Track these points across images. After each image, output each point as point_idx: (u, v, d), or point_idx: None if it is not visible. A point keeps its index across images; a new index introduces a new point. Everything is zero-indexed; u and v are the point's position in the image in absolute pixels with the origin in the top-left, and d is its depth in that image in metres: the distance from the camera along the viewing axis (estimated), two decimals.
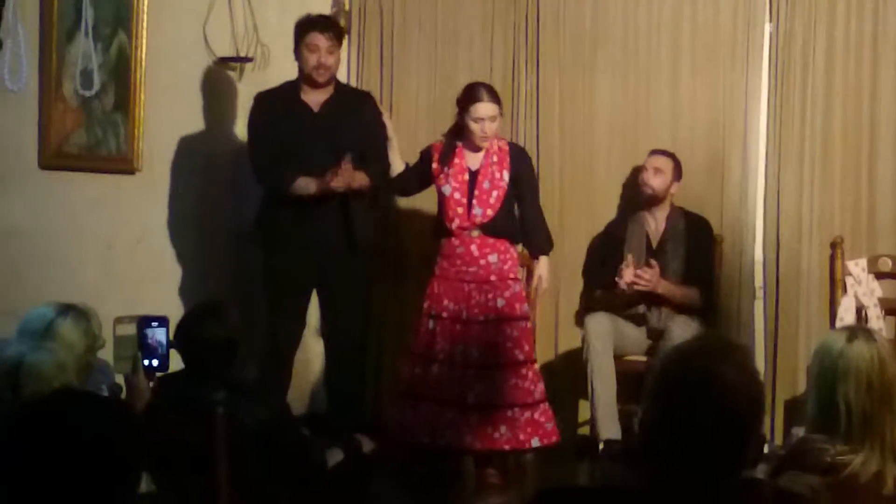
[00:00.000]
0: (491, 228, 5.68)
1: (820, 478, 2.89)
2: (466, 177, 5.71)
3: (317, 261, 5.76)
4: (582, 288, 6.52)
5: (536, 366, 5.73)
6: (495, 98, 5.69)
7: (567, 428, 6.37)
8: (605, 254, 6.27)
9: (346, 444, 5.49)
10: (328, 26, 5.81)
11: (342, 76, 6.90)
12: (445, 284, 5.70)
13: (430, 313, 5.69)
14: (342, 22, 6.77)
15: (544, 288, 5.90)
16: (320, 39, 5.71)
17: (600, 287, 6.21)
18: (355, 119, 5.79)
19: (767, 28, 6.29)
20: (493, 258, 5.68)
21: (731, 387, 2.27)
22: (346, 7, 6.86)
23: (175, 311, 4.19)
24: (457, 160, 5.72)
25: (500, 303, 5.64)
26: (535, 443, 5.62)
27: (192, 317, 3.93)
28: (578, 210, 6.53)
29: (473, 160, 5.74)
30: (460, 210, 5.67)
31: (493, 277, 5.67)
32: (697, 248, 6.08)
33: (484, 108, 5.63)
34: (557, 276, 6.49)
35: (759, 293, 6.28)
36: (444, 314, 5.66)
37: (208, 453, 3.64)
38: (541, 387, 5.67)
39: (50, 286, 5.08)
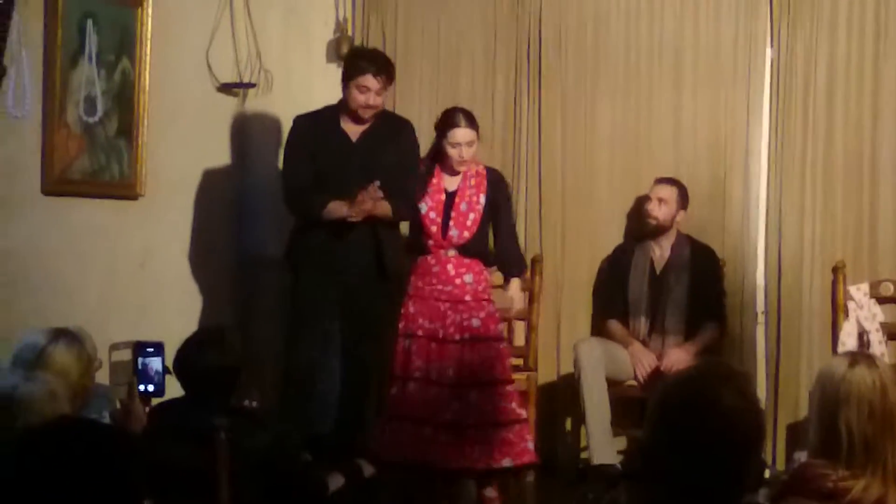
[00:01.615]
0: (466, 249, 5.78)
1: None
2: (443, 197, 5.80)
3: (346, 286, 5.70)
4: (592, 309, 6.52)
5: (510, 386, 5.73)
6: (473, 124, 5.77)
7: (568, 452, 6.38)
8: (611, 282, 6.29)
9: (347, 469, 5.48)
10: (382, 68, 5.68)
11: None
12: (420, 303, 5.75)
13: (405, 333, 5.73)
14: (345, 47, 6.80)
15: (517, 309, 5.99)
16: (372, 82, 5.63)
17: (610, 317, 6.24)
18: (392, 150, 5.72)
19: (769, 52, 6.31)
20: (468, 278, 5.76)
21: (732, 412, 2.28)
22: (349, 32, 6.89)
23: (177, 336, 4.17)
24: (434, 180, 5.81)
25: (476, 323, 5.70)
26: (507, 462, 5.61)
27: (191, 344, 3.92)
28: (580, 232, 6.55)
29: (451, 182, 5.83)
30: (434, 229, 5.77)
31: (467, 297, 5.74)
32: (705, 280, 6.09)
33: (461, 134, 5.72)
34: (559, 300, 6.51)
35: (761, 317, 6.28)
36: (420, 332, 5.71)
37: (211, 479, 3.64)
38: (515, 406, 5.69)
39: (52, 311, 5.07)
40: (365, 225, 5.59)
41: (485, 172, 5.88)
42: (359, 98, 5.63)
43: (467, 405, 5.61)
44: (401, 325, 5.74)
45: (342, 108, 5.75)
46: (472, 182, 5.83)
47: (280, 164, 6.04)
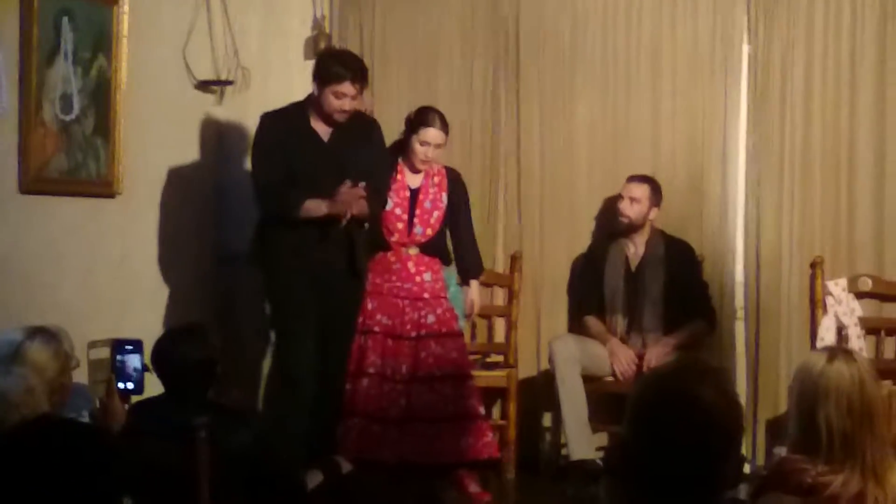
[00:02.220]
0: (427, 248, 5.85)
1: (801, 499, 2.90)
2: (408, 194, 5.85)
3: (320, 284, 5.64)
4: (568, 306, 6.53)
5: (469, 382, 5.78)
6: (445, 127, 5.81)
7: (549, 449, 6.40)
8: (586, 279, 6.31)
9: (325, 466, 5.48)
10: (359, 74, 5.59)
11: None
12: (379, 300, 5.80)
13: (362, 329, 5.77)
14: (322, 45, 6.79)
15: (476, 311, 6.06)
16: (349, 88, 5.54)
17: (587, 314, 6.25)
18: (364, 149, 5.66)
19: (746, 49, 6.33)
20: (427, 276, 5.84)
21: (711, 409, 2.28)
22: (327, 30, 6.88)
23: (155, 334, 4.15)
24: (398, 177, 5.85)
25: (431, 319, 5.77)
26: (466, 456, 5.66)
27: (168, 339, 3.92)
28: (559, 230, 6.56)
29: (413, 179, 5.89)
30: (400, 225, 5.82)
31: (426, 295, 5.81)
32: (682, 276, 6.09)
33: (433, 135, 5.78)
34: (539, 297, 6.52)
35: (740, 313, 6.30)
36: (377, 328, 5.77)
37: (191, 478, 3.63)
38: (474, 402, 5.73)
39: (30, 310, 5.05)
40: (337, 223, 5.56)
41: (444, 171, 5.95)
42: (335, 103, 5.55)
43: (422, 401, 5.66)
44: (359, 322, 5.75)
45: (311, 106, 5.64)
46: (435, 180, 5.90)
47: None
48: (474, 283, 6.02)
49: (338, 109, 5.57)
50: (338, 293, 5.67)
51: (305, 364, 5.54)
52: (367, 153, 5.66)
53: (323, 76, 5.57)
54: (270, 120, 5.67)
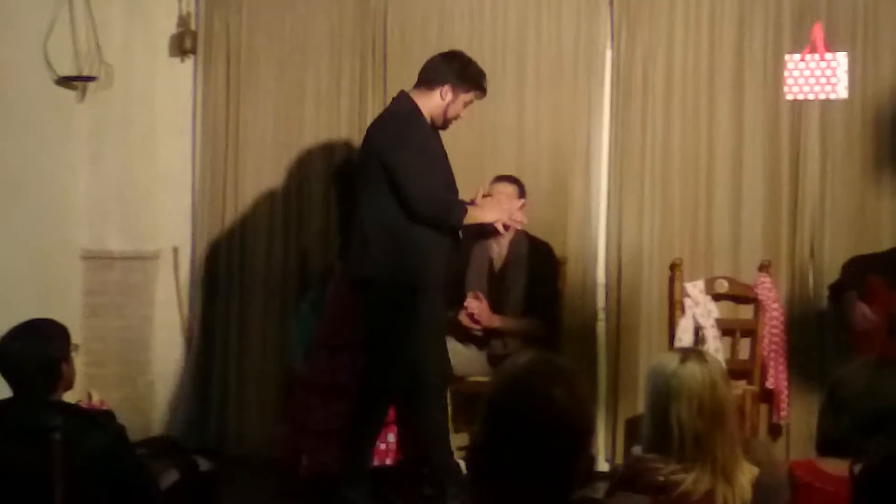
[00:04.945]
0: None
1: (651, 497, 2.96)
2: None
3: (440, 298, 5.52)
4: None
5: None
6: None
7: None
8: (449, 279, 6.30)
9: (183, 465, 5.43)
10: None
11: (187, 96, 6.87)
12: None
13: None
14: (188, 42, 6.73)
15: None
16: (474, 100, 5.49)
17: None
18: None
19: (609, 54, 6.41)
20: None
21: (562, 408, 2.32)
22: (192, 27, 6.81)
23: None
24: None
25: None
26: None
27: (7, 338, 3.84)
28: None
29: None
30: None
31: None
32: (539, 276, 6.14)
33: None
34: None
35: (602, 314, 6.38)
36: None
37: (45, 480, 3.57)
38: None
39: None
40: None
41: None
42: (460, 110, 5.45)
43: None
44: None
45: (423, 111, 5.40)
46: None
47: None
48: None
49: (456, 116, 5.47)
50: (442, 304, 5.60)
51: (443, 370, 5.56)
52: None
53: (467, 80, 5.42)
54: (421, 120, 5.40)
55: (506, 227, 5.58)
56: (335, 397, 5.60)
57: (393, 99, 5.51)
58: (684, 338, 6.03)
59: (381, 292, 5.29)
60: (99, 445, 3.66)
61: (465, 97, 5.42)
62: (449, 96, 5.38)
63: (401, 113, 5.36)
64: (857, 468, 2.42)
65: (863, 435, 2.92)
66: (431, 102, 5.38)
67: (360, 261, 5.32)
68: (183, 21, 6.80)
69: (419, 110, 5.36)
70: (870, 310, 5.57)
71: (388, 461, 5.64)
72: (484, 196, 5.62)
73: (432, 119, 5.39)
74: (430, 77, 5.40)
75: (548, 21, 6.46)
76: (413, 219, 5.26)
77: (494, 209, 5.49)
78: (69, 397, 3.97)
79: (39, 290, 6.09)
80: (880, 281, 5.60)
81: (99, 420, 3.78)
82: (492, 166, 6.39)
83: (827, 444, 3.07)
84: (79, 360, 3.93)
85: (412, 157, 5.27)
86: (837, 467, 2.91)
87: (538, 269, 6.13)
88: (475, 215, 5.40)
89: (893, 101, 6.00)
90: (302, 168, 6.76)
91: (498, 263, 6.17)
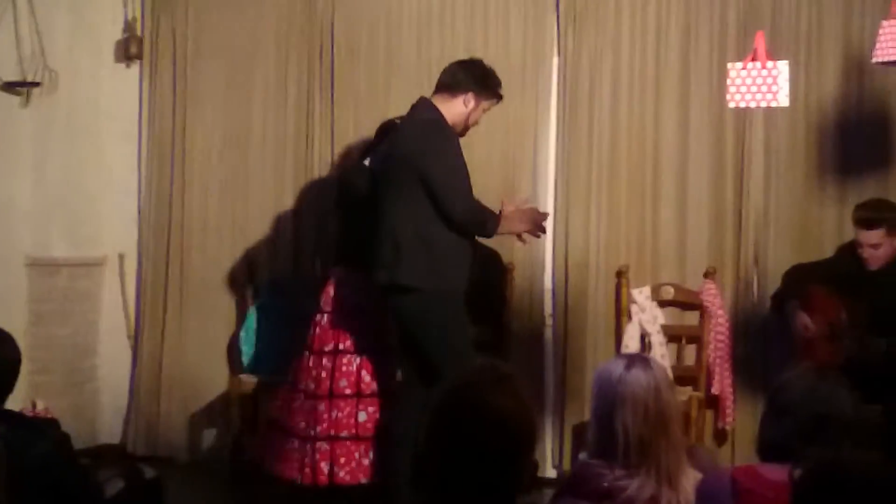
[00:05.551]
0: None
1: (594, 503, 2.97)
2: None
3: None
4: None
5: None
6: None
7: None
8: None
9: (127, 473, 5.39)
10: None
11: (134, 102, 6.84)
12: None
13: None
14: (133, 48, 6.70)
15: None
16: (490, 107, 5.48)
17: None
18: None
19: (556, 62, 6.43)
20: None
21: (504, 415, 2.33)
22: (138, 32, 6.77)
23: None
24: None
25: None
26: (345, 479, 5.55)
27: None
28: None
29: None
30: None
31: None
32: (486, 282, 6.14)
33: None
34: None
35: (549, 320, 6.41)
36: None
37: None
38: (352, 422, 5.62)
39: None
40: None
41: None
42: (478, 118, 5.45)
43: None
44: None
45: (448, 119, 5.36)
46: None
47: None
48: None
49: (475, 123, 5.46)
50: None
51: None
52: None
53: (489, 88, 5.42)
54: (451, 128, 5.35)
55: (532, 234, 5.54)
56: (339, 403, 5.60)
57: (414, 105, 5.45)
58: (631, 344, 6.07)
59: (428, 301, 5.22)
60: (42, 454, 3.63)
61: (485, 104, 5.44)
62: (471, 104, 5.39)
63: (431, 120, 5.33)
64: (797, 473, 2.44)
65: (802, 441, 2.95)
66: (454, 109, 5.37)
67: (394, 268, 5.25)
68: (129, 26, 6.77)
69: (444, 117, 5.36)
70: (811, 319, 5.63)
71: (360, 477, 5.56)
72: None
73: (454, 125, 5.39)
74: (451, 84, 5.40)
75: (495, 28, 6.49)
76: (450, 227, 5.23)
77: (525, 220, 5.47)
78: (12, 405, 3.93)
79: None
80: (821, 290, 5.66)
81: (42, 428, 3.75)
82: None
83: (768, 449, 3.09)
84: (24, 368, 3.88)
85: (450, 165, 5.24)
86: (778, 473, 2.93)
87: (487, 276, 6.14)
88: (507, 226, 5.40)
89: (837, 110, 6.07)
90: (249, 173, 6.75)
91: None
